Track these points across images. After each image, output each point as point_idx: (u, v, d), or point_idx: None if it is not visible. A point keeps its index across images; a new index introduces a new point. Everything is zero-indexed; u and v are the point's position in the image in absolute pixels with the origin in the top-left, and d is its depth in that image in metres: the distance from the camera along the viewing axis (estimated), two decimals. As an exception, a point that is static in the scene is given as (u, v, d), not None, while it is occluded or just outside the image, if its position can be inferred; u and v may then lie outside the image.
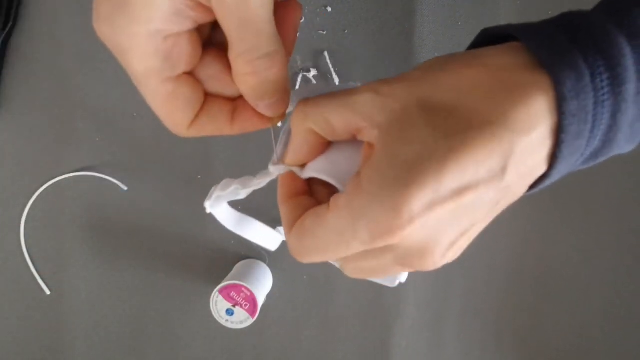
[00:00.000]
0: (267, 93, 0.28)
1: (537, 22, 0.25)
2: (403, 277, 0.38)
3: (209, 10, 0.25)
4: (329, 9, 0.59)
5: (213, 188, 0.33)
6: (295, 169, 0.31)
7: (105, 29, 0.25)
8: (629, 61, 0.23)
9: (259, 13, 0.25)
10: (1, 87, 0.59)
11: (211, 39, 0.30)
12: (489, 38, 0.28)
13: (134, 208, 0.62)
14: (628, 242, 0.64)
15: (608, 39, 0.23)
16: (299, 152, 0.29)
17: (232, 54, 0.27)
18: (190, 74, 0.29)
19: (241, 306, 0.56)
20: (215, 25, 0.29)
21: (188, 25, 0.26)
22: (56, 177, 0.61)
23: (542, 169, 0.24)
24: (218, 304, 0.56)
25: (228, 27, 0.26)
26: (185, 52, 0.27)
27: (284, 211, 0.30)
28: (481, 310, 0.65)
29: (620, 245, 0.64)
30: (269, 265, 0.63)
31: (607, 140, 0.24)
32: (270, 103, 0.28)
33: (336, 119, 0.26)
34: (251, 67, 0.27)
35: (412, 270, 0.26)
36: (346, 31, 0.59)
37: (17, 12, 0.58)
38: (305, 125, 0.28)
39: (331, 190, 0.31)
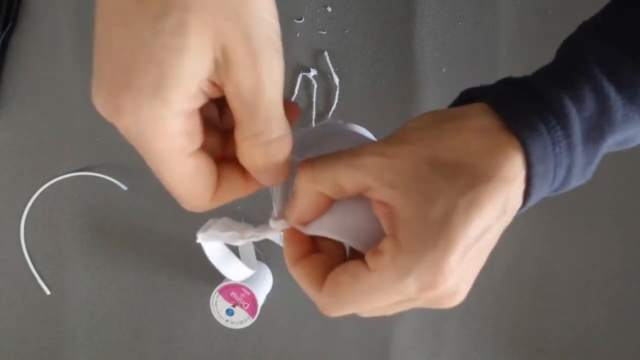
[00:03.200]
0: (270, 170, 0.28)
1: (511, 89, 0.30)
2: None
3: (220, 87, 0.26)
4: (329, 9, 0.59)
5: (210, 220, 0.32)
6: (299, 227, 0.31)
7: (129, 117, 0.24)
8: (577, 130, 0.29)
9: (272, 99, 0.26)
10: (1, 87, 0.59)
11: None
12: (468, 98, 0.32)
13: (134, 208, 0.62)
14: (627, 243, 0.64)
15: (565, 114, 0.28)
16: (306, 213, 0.30)
17: (240, 135, 0.27)
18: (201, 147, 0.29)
19: (241, 306, 0.56)
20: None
21: (203, 101, 0.26)
22: (56, 177, 0.61)
23: (519, 204, 0.30)
24: (218, 304, 0.56)
25: (239, 109, 0.26)
26: (199, 126, 0.27)
27: (300, 272, 0.30)
28: (481, 310, 0.65)
29: (620, 246, 0.64)
30: (269, 265, 0.63)
31: (564, 183, 0.31)
32: (269, 176, 0.29)
33: (346, 181, 0.28)
34: (259, 150, 0.27)
35: (436, 307, 0.30)
36: (346, 31, 0.59)
37: (17, 12, 0.58)
38: (314, 188, 0.29)
39: (338, 243, 0.31)
